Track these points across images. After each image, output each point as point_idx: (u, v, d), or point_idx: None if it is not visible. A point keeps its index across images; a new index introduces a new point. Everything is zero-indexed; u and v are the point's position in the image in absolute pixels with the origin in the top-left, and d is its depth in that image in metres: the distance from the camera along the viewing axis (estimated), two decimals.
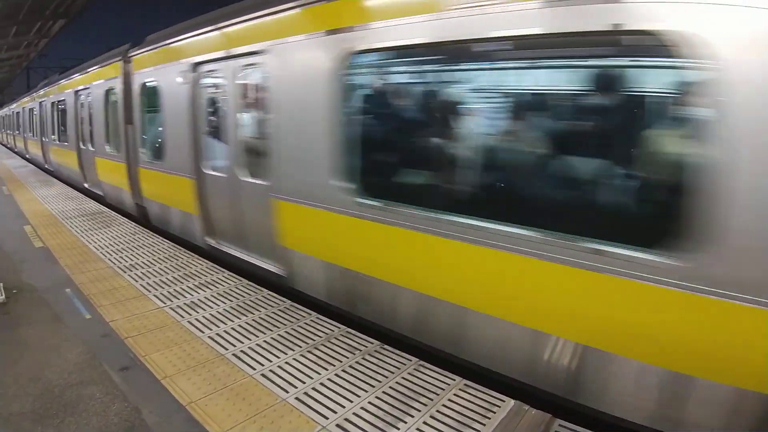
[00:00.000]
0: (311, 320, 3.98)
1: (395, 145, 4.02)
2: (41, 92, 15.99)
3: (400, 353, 3.44)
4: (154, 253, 5.80)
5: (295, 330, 3.81)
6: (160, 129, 6.88)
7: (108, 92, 8.74)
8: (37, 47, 24.96)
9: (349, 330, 3.81)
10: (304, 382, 3.07)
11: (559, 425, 2.66)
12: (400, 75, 4.27)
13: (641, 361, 2.61)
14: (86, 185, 10.90)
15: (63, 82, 12.44)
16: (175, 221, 6.80)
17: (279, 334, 3.73)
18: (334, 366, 3.27)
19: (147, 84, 7.13)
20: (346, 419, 2.72)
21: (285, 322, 3.96)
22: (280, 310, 4.19)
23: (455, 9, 3.02)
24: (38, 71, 38.49)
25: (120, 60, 8.01)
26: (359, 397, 2.92)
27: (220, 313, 4.11)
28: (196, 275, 5.04)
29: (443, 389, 2.99)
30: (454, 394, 2.94)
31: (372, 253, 3.87)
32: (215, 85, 5.73)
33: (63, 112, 12.63)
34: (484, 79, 3.74)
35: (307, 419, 2.72)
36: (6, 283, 4.60)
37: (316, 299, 4.46)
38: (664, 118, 2.86)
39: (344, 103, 3.84)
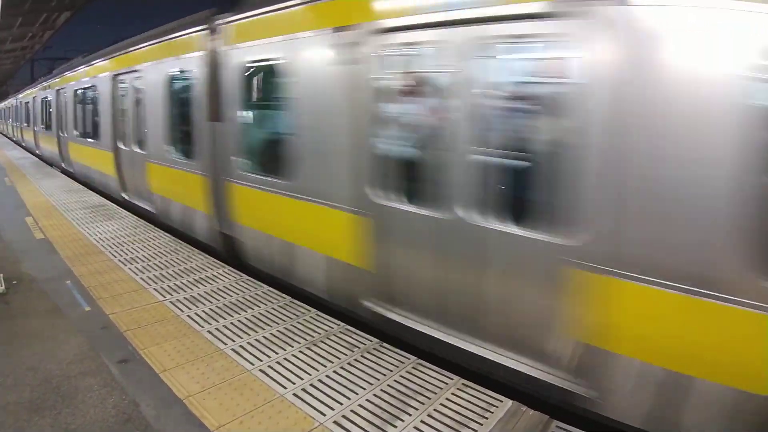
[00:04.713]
0: (311, 317, 3.98)
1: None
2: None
3: (399, 351, 3.44)
4: (155, 247, 5.80)
5: (294, 326, 3.81)
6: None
7: None
8: (42, 39, 24.99)
9: (348, 327, 3.81)
10: (303, 379, 3.08)
11: (557, 426, 2.65)
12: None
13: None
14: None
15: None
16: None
17: (278, 330, 3.73)
18: (333, 363, 3.27)
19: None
20: (343, 416, 2.72)
21: (284, 318, 3.96)
22: (279, 306, 4.19)
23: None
24: (42, 63, 38.37)
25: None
26: (357, 394, 2.92)
27: (219, 308, 4.12)
28: (196, 270, 5.04)
29: (441, 388, 2.99)
30: (452, 393, 2.94)
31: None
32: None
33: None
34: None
35: (305, 415, 2.72)
36: (6, 274, 4.61)
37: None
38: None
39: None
